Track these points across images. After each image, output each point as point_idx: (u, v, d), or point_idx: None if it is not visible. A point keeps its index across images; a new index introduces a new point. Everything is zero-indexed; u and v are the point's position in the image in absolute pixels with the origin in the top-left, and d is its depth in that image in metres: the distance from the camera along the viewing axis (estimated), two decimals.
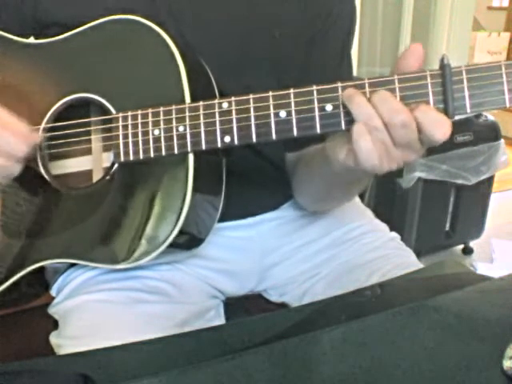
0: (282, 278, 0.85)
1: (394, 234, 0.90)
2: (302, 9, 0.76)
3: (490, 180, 2.16)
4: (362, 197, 1.01)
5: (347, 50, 0.82)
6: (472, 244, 2.32)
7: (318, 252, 0.85)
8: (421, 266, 0.81)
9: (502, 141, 2.10)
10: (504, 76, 0.52)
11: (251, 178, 0.80)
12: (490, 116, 2.13)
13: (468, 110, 0.53)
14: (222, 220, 0.73)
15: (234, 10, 0.74)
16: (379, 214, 0.94)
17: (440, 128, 0.52)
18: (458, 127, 1.98)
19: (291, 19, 0.76)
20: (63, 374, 0.51)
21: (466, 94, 0.53)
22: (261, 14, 0.75)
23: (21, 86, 0.70)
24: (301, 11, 0.76)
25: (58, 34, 0.70)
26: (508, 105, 0.52)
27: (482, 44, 4.24)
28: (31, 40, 0.73)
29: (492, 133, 2.09)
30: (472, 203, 2.19)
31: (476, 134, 2.03)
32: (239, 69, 0.74)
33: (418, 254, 0.87)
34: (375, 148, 0.54)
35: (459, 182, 2.03)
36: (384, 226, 0.91)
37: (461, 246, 2.33)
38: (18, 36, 0.72)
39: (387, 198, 2.01)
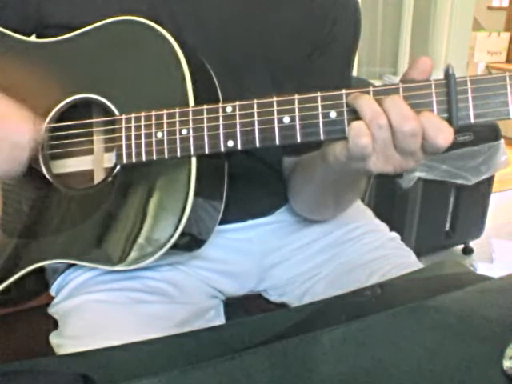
0: (282, 279, 0.85)
1: (394, 234, 0.90)
2: (303, 14, 0.76)
3: (490, 180, 2.16)
4: (361, 197, 1.01)
5: (351, 59, 0.82)
6: (472, 244, 2.32)
7: (318, 252, 0.85)
8: (421, 266, 0.81)
9: (502, 141, 2.10)
10: (508, 87, 0.52)
11: (250, 181, 0.80)
12: None
13: (472, 120, 0.53)
14: (222, 222, 0.73)
15: (234, 13, 0.74)
16: (379, 214, 0.94)
17: (442, 134, 0.52)
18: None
19: (292, 23, 0.76)
20: (63, 374, 0.51)
21: (470, 104, 0.53)
22: (261, 17, 0.75)
23: (24, 85, 0.70)
24: (302, 16, 0.76)
25: (59, 35, 0.70)
26: (511, 116, 0.52)
27: (482, 44, 4.24)
28: (34, 39, 0.73)
29: (492, 133, 2.09)
30: (472, 203, 2.19)
31: (476, 134, 2.03)
32: (239, 71, 0.74)
33: (418, 254, 0.87)
34: (373, 146, 0.54)
35: (459, 182, 2.03)
36: (384, 226, 0.91)
37: (461, 246, 2.33)
38: (20, 35, 0.72)
39: (387, 197, 2.01)
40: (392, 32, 2.65)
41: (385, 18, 2.63)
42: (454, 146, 1.98)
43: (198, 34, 0.72)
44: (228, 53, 0.73)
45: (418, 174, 1.95)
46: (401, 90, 0.54)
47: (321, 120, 0.56)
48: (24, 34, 0.72)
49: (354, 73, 2.40)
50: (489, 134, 2.08)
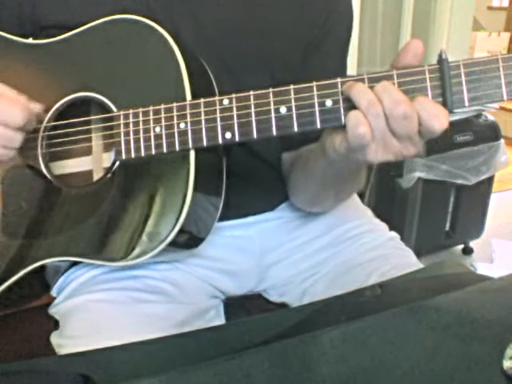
0: (282, 278, 0.85)
1: (394, 234, 0.90)
2: (300, 13, 0.76)
3: (490, 180, 2.16)
4: (361, 196, 1.01)
5: (345, 54, 0.83)
6: (472, 244, 2.32)
7: (318, 251, 0.85)
8: (420, 265, 0.81)
9: (502, 141, 2.10)
10: (501, 69, 0.52)
11: (249, 179, 0.80)
12: (490, 116, 2.14)
13: (466, 104, 0.54)
14: (220, 220, 0.73)
15: (231, 13, 0.74)
16: (379, 214, 0.94)
17: (437, 118, 0.52)
18: (458, 127, 2.00)
19: (289, 23, 0.76)
20: (63, 374, 0.51)
21: (464, 87, 0.53)
22: (260, 16, 0.75)
23: (22, 86, 0.70)
24: (298, 15, 0.76)
25: (56, 36, 0.70)
26: (505, 98, 0.53)
27: (482, 44, 4.25)
28: (31, 40, 0.73)
29: (492, 133, 2.09)
30: (472, 203, 2.19)
31: (476, 134, 2.03)
32: (238, 71, 0.74)
33: (418, 254, 0.87)
34: (372, 135, 0.54)
35: (459, 182, 2.03)
36: (383, 226, 0.91)
37: (461, 246, 2.33)
38: (17, 37, 0.72)
39: (387, 197, 2.01)
40: (392, 32, 2.65)
41: (385, 17, 2.63)
42: (454, 145, 1.99)
43: (196, 34, 0.72)
44: (226, 53, 0.73)
45: (417, 174, 1.95)
46: (395, 76, 0.54)
47: (317, 109, 0.57)
48: (21, 36, 0.72)
49: (354, 72, 2.40)
50: (489, 133, 2.08)
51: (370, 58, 2.66)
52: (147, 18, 0.65)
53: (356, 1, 2.36)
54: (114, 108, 0.65)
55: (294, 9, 0.76)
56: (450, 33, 2.66)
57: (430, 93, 0.54)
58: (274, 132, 0.58)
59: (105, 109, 0.66)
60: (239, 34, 0.74)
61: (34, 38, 0.74)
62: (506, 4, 5.05)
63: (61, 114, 0.69)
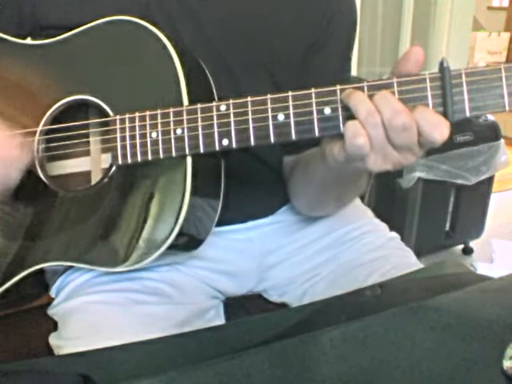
0: (282, 279, 0.85)
1: (394, 234, 0.90)
2: (301, 13, 0.76)
3: (490, 180, 2.16)
4: (362, 197, 1.01)
5: (349, 58, 0.82)
6: (472, 244, 2.32)
7: (318, 252, 0.85)
8: (421, 265, 0.81)
9: (502, 141, 2.10)
10: (503, 79, 0.51)
11: (250, 182, 0.80)
12: (490, 116, 2.13)
13: (467, 114, 0.53)
14: (222, 224, 0.73)
15: (231, 13, 0.74)
16: (379, 214, 0.94)
17: (438, 129, 0.51)
18: (458, 127, 1.99)
19: (289, 23, 0.75)
20: (63, 374, 0.51)
21: (466, 97, 0.52)
22: (260, 17, 0.75)
23: (18, 88, 0.70)
24: (299, 15, 0.76)
25: (55, 36, 0.70)
26: (508, 108, 0.52)
27: (482, 44, 4.25)
28: (28, 41, 0.73)
29: (492, 133, 2.09)
30: (472, 203, 2.19)
31: (476, 134, 2.03)
32: (237, 72, 0.74)
33: (418, 254, 0.87)
34: (370, 146, 0.53)
35: (459, 181, 2.03)
36: (384, 226, 0.91)
37: (461, 246, 2.33)
38: (15, 37, 0.72)
39: (387, 197, 2.01)
40: (392, 32, 2.65)
41: (385, 17, 2.63)
42: (454, 145, 1.99)
43: (196, 34, 0.72)
44: (226, 53, 0.73)
45: (418, 174, 1.95)
46: (395, 84, 0.53)
47: (315, 117, 0.56)
48: (20, 37, 0.72)
49: (354, 73, 2.40)
50: (489, 133, 2.08)
51: (369, 58, 2.66)
52: (146, 18, 0.65)
53: (356, 1, 2.36)
54: (110, 111, 0.65)
55: (295, 9, 0.76)
56: (450, 33, 2.67)
57: (430, 102, 0.53)
58: (272, 139, 0.57)
59: (101, 112, 0.66)
60: (239, 34, 0.74)
61: (33, 38, 0.74)
62: (506, 4, 5.05)
63: (57, 117, 0.69)
